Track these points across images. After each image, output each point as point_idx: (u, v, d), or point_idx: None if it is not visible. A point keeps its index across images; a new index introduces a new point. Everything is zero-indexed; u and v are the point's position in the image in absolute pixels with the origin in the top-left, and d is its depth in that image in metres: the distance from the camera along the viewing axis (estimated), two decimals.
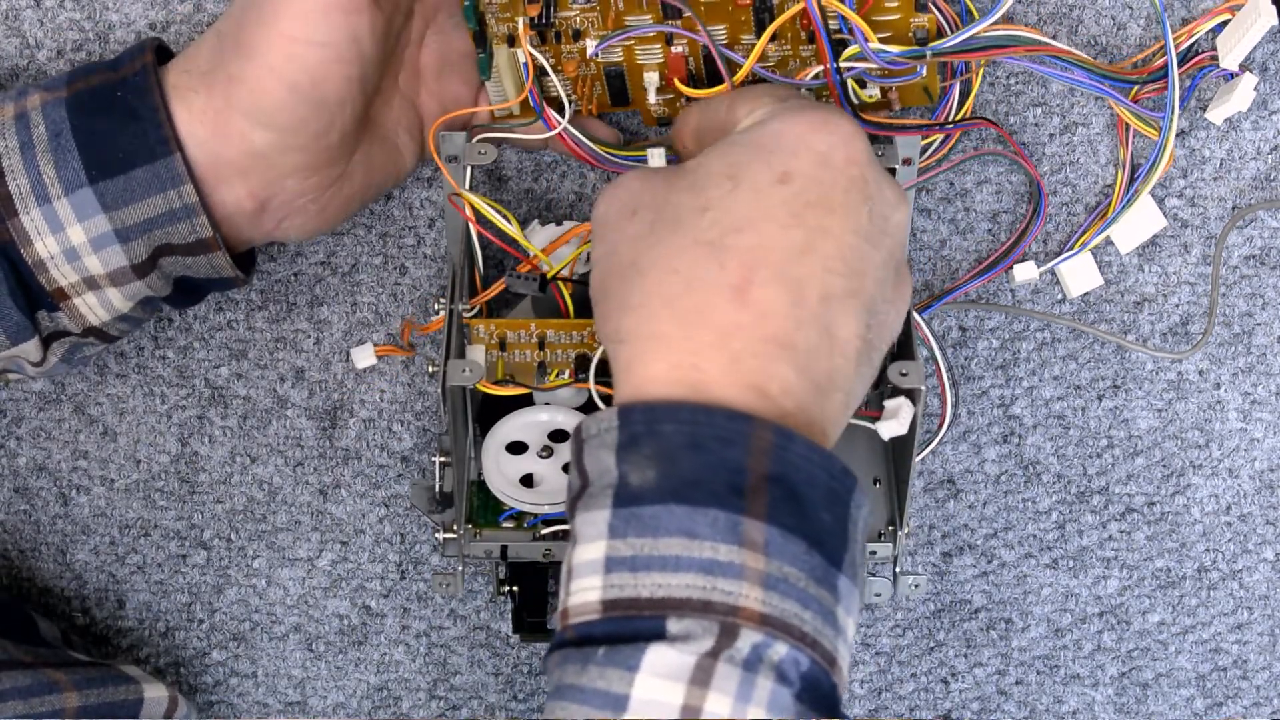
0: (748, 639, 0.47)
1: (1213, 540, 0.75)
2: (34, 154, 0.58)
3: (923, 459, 0.70)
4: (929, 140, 0.67)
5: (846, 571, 0.50)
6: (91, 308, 0.61)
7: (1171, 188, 0.69)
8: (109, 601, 0.76)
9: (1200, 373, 0.72)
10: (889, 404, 0.62)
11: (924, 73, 0.61)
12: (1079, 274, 0.69)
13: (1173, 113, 0.64)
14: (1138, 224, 0.69)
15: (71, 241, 0.59)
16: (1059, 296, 0.70)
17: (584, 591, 0.49)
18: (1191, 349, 0.71)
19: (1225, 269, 0.70)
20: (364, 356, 0.71)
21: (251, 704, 0.76)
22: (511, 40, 0.62)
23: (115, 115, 0.58)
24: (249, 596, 0.75)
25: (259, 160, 0.59)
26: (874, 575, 0.68)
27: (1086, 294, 0.70)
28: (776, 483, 0.48)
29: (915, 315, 0.64)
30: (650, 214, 0.53)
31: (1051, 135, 0.68)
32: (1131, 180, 0.68)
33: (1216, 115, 0.67)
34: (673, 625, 0.47)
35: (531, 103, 0.63)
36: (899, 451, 0.65)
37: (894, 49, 0.59)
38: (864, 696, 0.76)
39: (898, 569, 0.67)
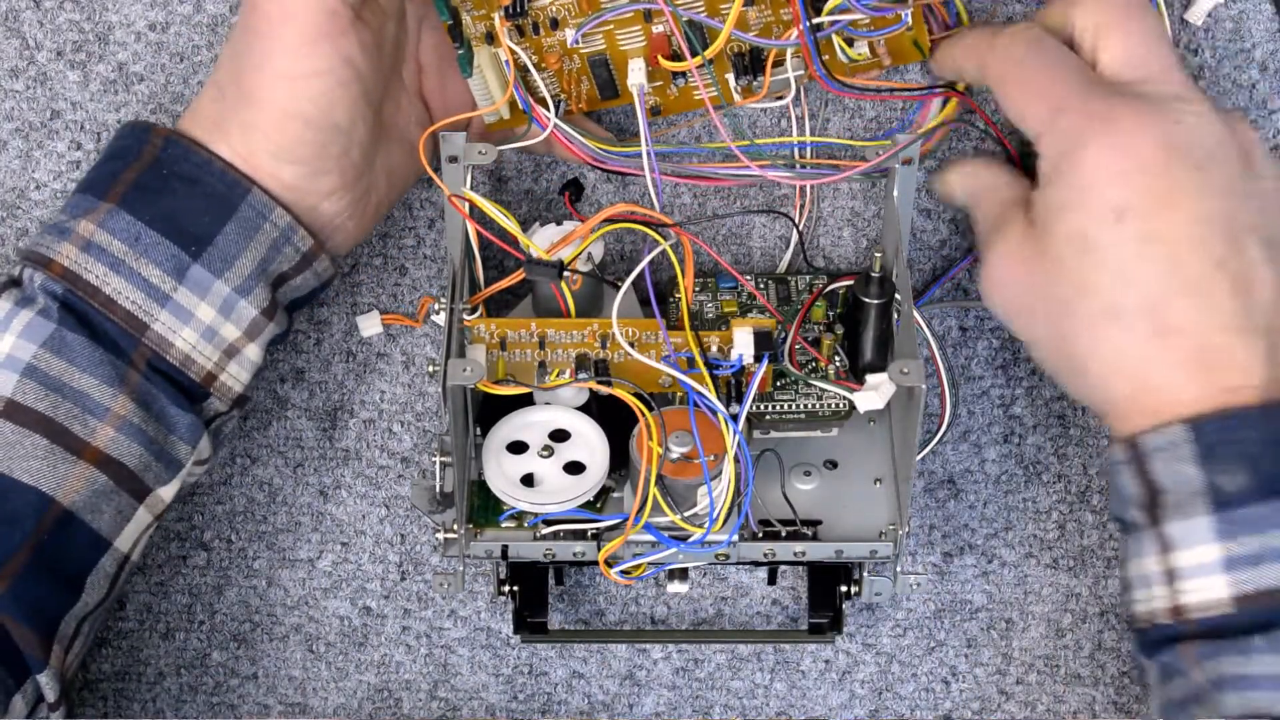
0: None
1: None
2: (127, 268, 0.59)
3: (923, 459, 0.70)
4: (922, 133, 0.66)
5: None
6: (235, 376, 0.63)
7: None
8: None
9: None
10: (871, 378, 0.62)
11: (909, 21, 0.61)
12: None
13: None
14: None
15: (205, 322, 0.60)
16: None
17: (1203, 590, 0.56)
18: None
19: None
20: (370, 325, 0.71)
21: (252, 705, 0.76)
22: (491, 38, 0.62)
23: (177, 191, 0.60)
24: (249, 597, 0.75)
25: (293, 192, 0.61)
26: (874, 575, 0.68)
27: None
28: None
29: (916, 314, 0.64)
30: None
31: None
32: None
33: (1196, 14, 0.66)
34: None
35: (518, 99, 0.63)
36: (899, 451, 0.65)
37: None
38: (864, 697, 0.76)
39: (898, 569, 0.67)
